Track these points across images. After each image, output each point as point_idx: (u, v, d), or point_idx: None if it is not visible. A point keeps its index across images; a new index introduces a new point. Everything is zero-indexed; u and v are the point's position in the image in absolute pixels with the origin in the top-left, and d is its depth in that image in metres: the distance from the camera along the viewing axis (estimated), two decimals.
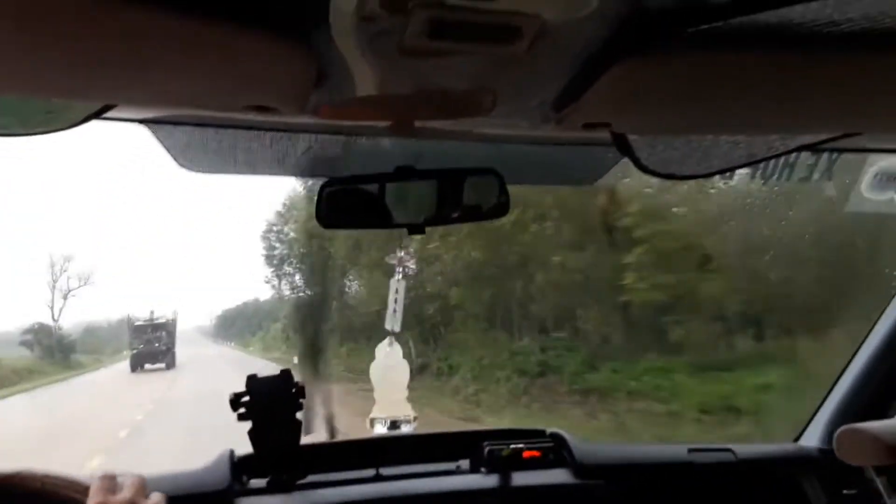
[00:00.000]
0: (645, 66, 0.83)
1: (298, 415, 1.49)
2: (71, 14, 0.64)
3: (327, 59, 0.86)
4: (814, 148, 1.32)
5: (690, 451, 1.78)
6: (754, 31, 0.75)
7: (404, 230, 1.35)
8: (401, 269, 1.59)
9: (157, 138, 1.13)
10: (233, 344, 43.35)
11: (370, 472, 1.67)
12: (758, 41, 0.77)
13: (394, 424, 1.87)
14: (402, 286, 1.64)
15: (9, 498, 0.83)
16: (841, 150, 1.43)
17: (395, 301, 1.66)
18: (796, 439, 1.98)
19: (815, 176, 1.51)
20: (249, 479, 1.61)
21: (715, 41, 0.77)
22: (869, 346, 1.85)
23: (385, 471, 1.68)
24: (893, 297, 1.79)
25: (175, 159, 1.22)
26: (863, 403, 1.87)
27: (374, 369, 1.98)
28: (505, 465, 1.67)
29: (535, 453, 1.69)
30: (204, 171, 1.37)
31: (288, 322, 23.72)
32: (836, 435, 1.45)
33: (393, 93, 1.04)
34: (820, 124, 1.09)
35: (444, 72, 0.95)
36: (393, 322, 1.79)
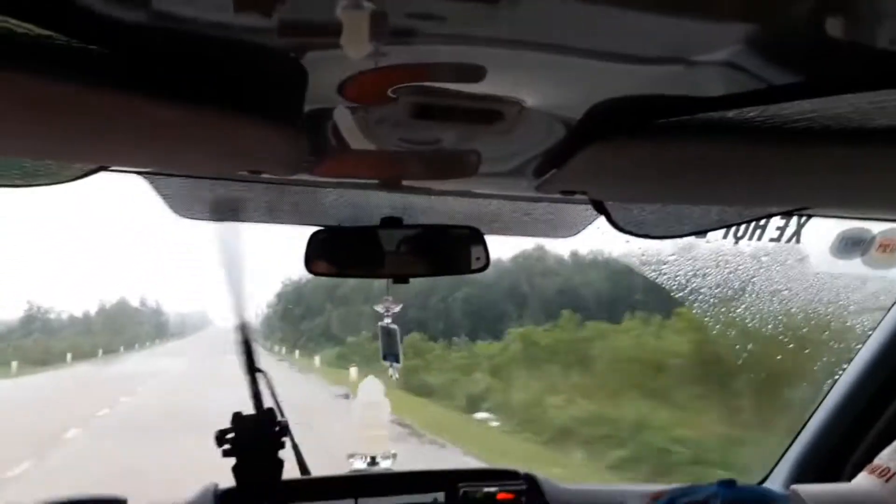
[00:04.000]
0: (617, 147, 0.89)
1: (281, 452, 1.52)
2: (75, 93, 0.69)
3: (317, 131, 0.92)
4: (781, 214, 1.39)
5: None
6: (715, 125, 0.82)
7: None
8: (389, 316, 1.64)
9: (154, 188, 1.18)
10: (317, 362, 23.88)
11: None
12: (719, 132, 0.84)
13: (373, 461, 1.90)
14: (394, 330, 1.69)
15: None
16: (809, 215, 1.51)
17: (389, 343, 1.71)
18: (764, 479, 2.02)
19: (785, 238, 1.58)
20: None
21: (680, 130, 0.83)
22: (839, 389, 1.89)
23: (363, 502, 1.72)
24: (861, 347, 1.85)
25: (171, 207, 1.27)
26: (832, 444, 1.91)
27: (356, 406, 2.02)
28: None
29: (509, 496, 1.73)
30: (198, 219, 1.42)
31: None
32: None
33: (382, 152, 1.10)
34: (775, 201, 1.16)
35: (431, 136, 1.00)
36: (388, 359, 1.83)
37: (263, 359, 1.56)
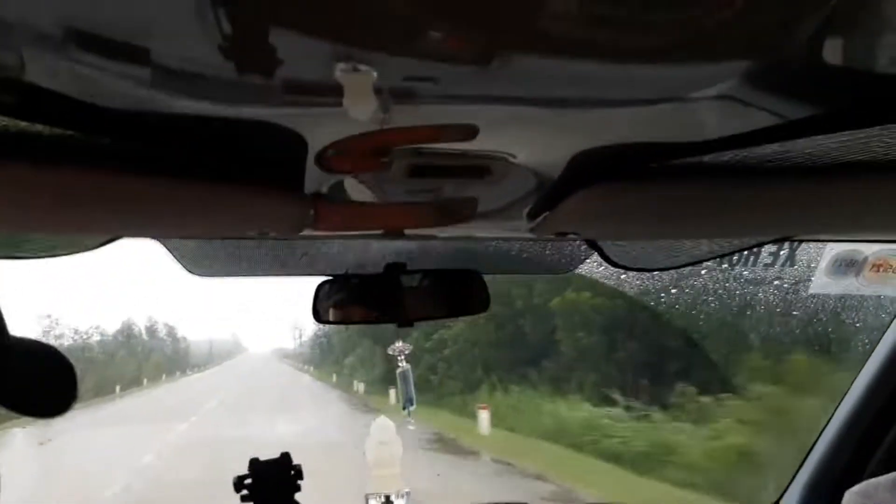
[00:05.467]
0: (606, 191, 0.92)
1: (297, 496, 1.56)
2: (92, 178, 0.75)
3: (320, 192, 0.98)
4: (772, 242, 1.43)
5: None
6: (705, 166, 0.85)
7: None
8: (402, 358, 1.71)
9: (167, 248, 1.24)
10: None
11: None
12: (708, 172, 0.87)
13: (387, 500, 1.92)
14: (409, 373, 1.76)
15: None
16: (799, 241, 1.55)
17: (406, 387, 1.77)
18: (776, 502, 2.02)
19: (778, 263, 1.63)
20: None
21: (668, 173, 0.87)
22: (846, 407, 1.91)
23: None
24: (868, 358, 1.86)
25: (184, 267, 1.33)
26: (841, 464, 1.92)
27: (369, 445, 2.05)
28: None
29: None
30: (211, 276, 1.48)
31: None
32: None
33: (382, 206, 1.15)
34: (765, 232, 1.20)
35: (429, 188, 1.06)
36: (406, 405, 1.89)
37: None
